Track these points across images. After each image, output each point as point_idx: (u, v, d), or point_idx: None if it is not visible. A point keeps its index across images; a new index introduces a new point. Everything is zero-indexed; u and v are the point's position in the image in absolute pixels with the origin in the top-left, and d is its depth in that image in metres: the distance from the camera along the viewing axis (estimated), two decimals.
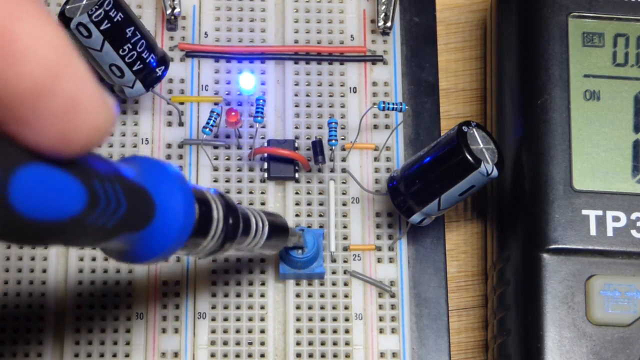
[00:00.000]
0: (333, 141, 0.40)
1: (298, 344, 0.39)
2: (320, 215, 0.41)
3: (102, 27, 0.37)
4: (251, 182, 0.41)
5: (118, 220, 0.24)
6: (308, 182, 0.42)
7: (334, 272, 0.40)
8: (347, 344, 0.39)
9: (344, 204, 0.41)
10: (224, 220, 0.30)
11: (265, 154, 0.41)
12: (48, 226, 0.21)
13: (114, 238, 0.25)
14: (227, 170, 0.42)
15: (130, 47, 0.38)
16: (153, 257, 0.27)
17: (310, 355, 0.39)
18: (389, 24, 0.43)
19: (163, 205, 0.26)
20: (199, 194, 0.29)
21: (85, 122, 0.20)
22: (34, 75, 0.18)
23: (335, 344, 0.39)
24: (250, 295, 0.40)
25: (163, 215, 0.27)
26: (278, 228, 0.35)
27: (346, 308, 0.40)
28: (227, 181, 0.41)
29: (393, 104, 0.40)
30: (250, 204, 0.41)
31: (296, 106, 0.43)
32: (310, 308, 0.40)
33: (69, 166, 0.21)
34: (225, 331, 0.39)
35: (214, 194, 0.31)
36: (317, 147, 0.41)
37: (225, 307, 0.40)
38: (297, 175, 0.41)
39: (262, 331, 0.39)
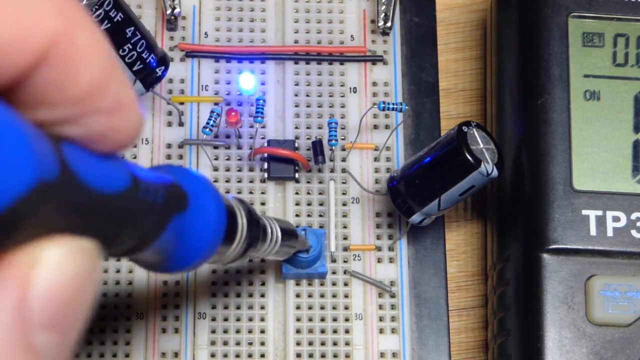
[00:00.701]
0: (333, 141, 0.40)
1: (298, 344, 0.39)
2: (320, 215, 0.41)
3: (102, 27, 0.37)
4: (251, 182, 0.41)
5: (162, 201, 0.25)
6: (308, 182, 0.42)
7: (334, 272, 0.40)
8: (347, 344, 0.39)
9: (344, 204, 0.41)
10: (247, 227, 0.31)
11: (265, 154, 0.41)
12: (113, 200, 0.21)
13: (167, 221, 0.25)
14: (227, 170, 0.42)
15: (130, 47, 0.38)
16: (188, 264, 0.27)
17: (310, 355, 0.39)
18: (389, 24, 0.43)
19: (196, 203, 0.27)
20: (225, 200, 0.30)
21: (124, 122, 0.21)
22: (88, 79, 0.20)
23: (335, 344, 0.39)
24: (250, 295, 0.40)
25: (197, 213, 0.27)
26: (289, 233, 0.35)
27: (346, 308, 0.40)
28: (227, 181, 0.41)
29: (393, 104, 0.40)
30: (251, 204, 0.41)
31: (296, 106, 0.43)
32: (310, 308, 0.40)
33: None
34: (225, 331, 0.39)
35: (234, 200, 0.31)
36: (317, 147, 0.41)
37: (225, 307, 0.40)
38: (297, 175, 0.41)
39: (262, 331, 0.39)
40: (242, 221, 0.30)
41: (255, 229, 0.32)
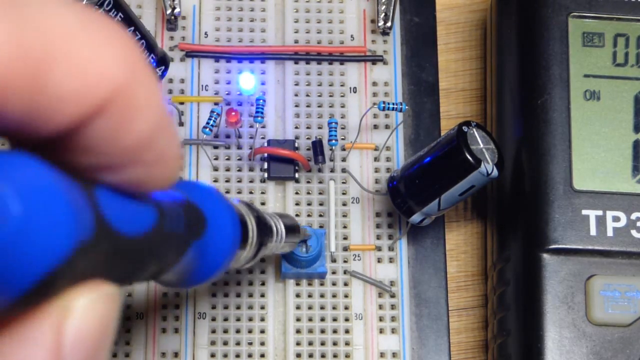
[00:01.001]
0: (333, 141, 0.40)
1: (298, 344, 0.39)
2: (320, 215, 0.41)
3: None
4: (251, 182, 0.41)
5: (183, 228, 0.25)
6: (308, 182, 0.42)
7: (334, 272, 0.40)
8: (347, 344, 0.39)
9: (344, 204, 0.41)
10: (257, 231, 0.31)
11: (265, 154, 0.41)
12: (142, 240, 0.22)
13: (187, 248, 0.25)
14: (227, 170, 0.42)
15: None
16: (207, 279, 0.28)
17: (310, 355, 0.39)
18: (389, 24, 0.43)
19: (213, 223, 0.27)
20: (236, 209, 0.30)
21: (164, 172, 0.21)
22: (141, 132, 0.19)
23: (335, 344, 0.39)
24: (250, 295, 0.40)
25: (215, 233, 0.27)
26: (291, 229, 0.36)
27: (346, 308, 0.40)
28: (227, 181, 0.41)
29: (393, 104, 0.40)
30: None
31: (296, 106, 0.43)
32: (310, 308, 0.40)
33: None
34: (225, 331, 0.39)
35: (242, 204, 0.31)
36: (317, 147, 0.41)
37: (225, 307, 0.40)
38: (297, 175, 0.41)
39: (262, 331, 0.39)
40: (252, 226, 0.30)
41: (264, 231, 0.32)
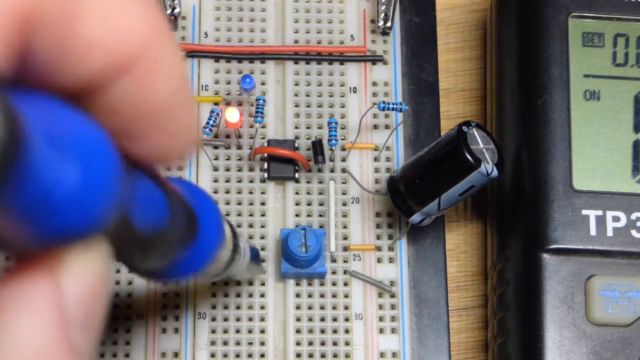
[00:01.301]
0: (333, 141, 0.40)
1: (298, 344, 0.39)
2: (320, 215, 0.41)
3: None
4: (251, 182, 0.41)
5: (183, 228, 0.25)
6: (308, 182, 0.42)
7: (334, 272, 0.40)
8: (347, 344, 0.39)
9: (344, 204, 0.41)
10: (230, 231, 0.31)
11: (265, 154, 0.41)
12: (156, 238, 0.22)
13: (179, 247, 0.26)
14: (227, 170, 0.42)
15: None
16: (192, 272, 0.28)
17: (310, 355, 0.39)
18: (389, 24, 0.43)
19: (204, 224, 0.27)
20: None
21: (184, 140, 0.21)
22: (164, 97, 0.20)
23: (335, 344, 0.39)
24: (250, 295, 0.40)
25: (204, 231, 0.27)
26: (254, 251, 0.36)
27: (346, 308, 0.40)
28: (227, 181, 0.41)
29: (393, 104, 0.40)
30: (250, 204, 0.41)
31: (296, 106, 0.43)
32: (310, 308, 0.40)
33: (157, 178, 0.23)
34: (225, 331, 0.39)
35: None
36: (317, 147, 0.41)
37: (225, 307, 0.40)
38: (297, 175, 0.41)
39: (262, 331, 0.39)
40: (228, 228, 0.31)
41: (234, 233, 0.32)
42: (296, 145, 0.42)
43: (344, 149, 0.42)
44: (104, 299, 0.20)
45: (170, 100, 0.20)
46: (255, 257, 0.36)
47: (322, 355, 0.39)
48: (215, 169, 0.41)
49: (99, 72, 0.18)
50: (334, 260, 0.40)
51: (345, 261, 0.41)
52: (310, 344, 0.39)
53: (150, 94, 0.19)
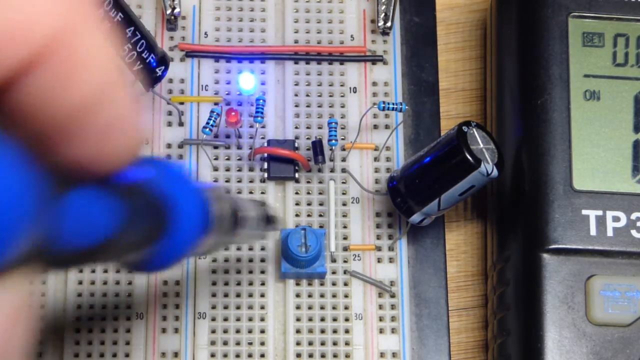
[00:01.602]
0: (333, 141, 0.40)
1: (298, 344, 0.39)
2: (320, 215, 0.41)
3: None
4: (251, 182, 0.41)
5: (144, 233, 0.24)
6: (308, 182, 0.42)
7: (334, 272, 0.40)
8: (347, 344, 0.39)
9: (344, 204, 0.41)
10: (230, 208, 0.30)
11: (265, 154, 0.41)
12: (106, 246, 0.20)
13: (136, 252, 0.25)
14: (227, 170, 0.42)
15: (130, 47, 0.38)
16: (171, 263, 0.26)
17: (310, 355, 0.39)
18: (389, 24, 0.43)
19: (179, 209, 0.26)
20: (204, 193, 0.29)
21: (121, 141, 0.19)
22: (86, 90, 0.17)
23: (335, 344, 0.39)
24: (250, 295, 0.40)
25: (179, 224, 0.26)
26: (268, 217, 0.35)
27: (346, 308, 0.40)
28: (227, 181, 0.41)
29: (393, 104, 0.40)
30: None
31: (296, 106, 0.43)
32: (310, 308, 0.40)
33: (104, 185, 0.20)
34: (225, 331, 0.39)
35: (213, 189, 0.30)
36: (317, 147, 0.41)
37: (225, 307, 0.40)
38: (297, 175, 0.41)
39: (262, 331, 0.39)
40: (220, 214, 0.29)
41: (235, 221, 0.31)
42: (296, 145, 0.42)
43: (344, 149, 0.42)
44: (24, 324, 0.18)
45: (95, 92, 0.17)
46: (266, 220, 0.34)
47: (322, 355, 0.39)
48: (215, 169, 0.41)
49: (5, 67, 0.16)
50: (334, 260, 0.40)
51: (345, 261, 0.41)
52: (310, 344, 0.39)
53: (70, 87, 0.17)
